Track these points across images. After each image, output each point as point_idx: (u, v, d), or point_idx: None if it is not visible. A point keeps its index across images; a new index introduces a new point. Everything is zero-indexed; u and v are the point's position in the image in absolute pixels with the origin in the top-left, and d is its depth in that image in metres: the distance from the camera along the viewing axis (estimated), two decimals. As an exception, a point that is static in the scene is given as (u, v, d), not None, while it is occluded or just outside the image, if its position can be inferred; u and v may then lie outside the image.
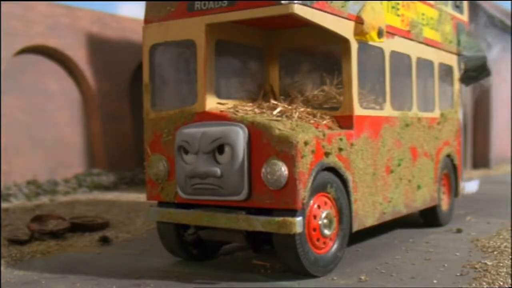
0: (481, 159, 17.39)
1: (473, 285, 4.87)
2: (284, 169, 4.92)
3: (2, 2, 12.06)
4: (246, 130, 5.13)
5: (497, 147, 17.83)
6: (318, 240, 5.24)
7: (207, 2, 5.44)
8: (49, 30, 13.20)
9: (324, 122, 5.55)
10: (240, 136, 5.10)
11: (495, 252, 6.05)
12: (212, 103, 5.54)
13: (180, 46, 5.82)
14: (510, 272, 5.22)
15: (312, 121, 5.47)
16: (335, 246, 5.41)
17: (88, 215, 9.05)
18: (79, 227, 7.86)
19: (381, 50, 6.19)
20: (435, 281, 5.03)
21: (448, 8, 7.99)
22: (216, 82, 5.69)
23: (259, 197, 5.09)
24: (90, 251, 6.71)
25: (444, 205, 7.83)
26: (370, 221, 5.93)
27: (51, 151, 13.50)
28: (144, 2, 5.93)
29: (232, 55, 6.08)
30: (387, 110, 6.32)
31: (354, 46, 5.64)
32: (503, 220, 7.99)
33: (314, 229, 5.20)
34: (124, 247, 6.89)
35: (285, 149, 4.94)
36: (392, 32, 6.36)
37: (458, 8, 8.38)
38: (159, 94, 5.92)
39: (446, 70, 7.91)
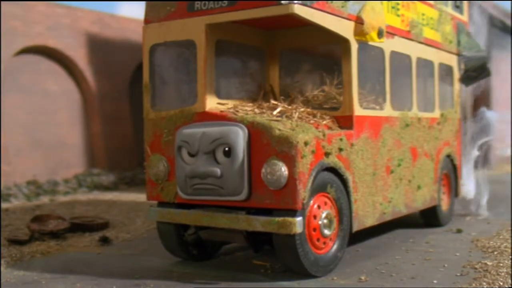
0: (481, 159, 17.34)
1: (473, 285, 4.86)
2: (284, 169, 4.92)
3: (2, 2, 12.06)
4: (246, 130, 5.13)
5: (497, 147, 17.80)
6: (318, 240, 5.24)
7: (207, 2, 5.44)
8: (49, 30, 13.21)
9: (324, 122, 5.55)
10: (240, 136, 5.10)
11: (495, 252, 6.04)
12: (212, 103, 5.54)
13: (180, 46, 5.82)
14: (510, 272, 5.21)
15: (312, 121, 5.47)
16: (335, 246, 5.41)
17: (88, 215, 9.04)
18: (79, 227, 7.86)
19: (381, 50, 6.19)
20: (435, 281, 5.03)
21: (448, 8, 8.00)
22: (216, 82, 5.69)
23: (259, 197, 5.09)
24: (90, 251, 6.71)
25: (444, 205, 7.83)
26: (370, 221, 5.93)
27: (51, 151, 13.50)
28: (144, 2, 5.94)
29: (232, 55, 6.08)
30: (387, 110, 6.32)
31: (354, 46, 5.64)
32: (503, 220, 7.99)
33: (314, 229, 5.20)
34: (124, 247, 6.89)
35: (285, 149, 4.94)
36: (392, 32, 6.36)
37: (458, 8, 8.38)
38: (159, 94, 5.92)
39: (446, 70, 7.91)
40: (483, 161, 8.96)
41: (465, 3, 8.68)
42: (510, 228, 7.33)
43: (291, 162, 4.92)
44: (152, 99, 5.87)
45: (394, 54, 6.41)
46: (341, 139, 5.45)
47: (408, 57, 6.81)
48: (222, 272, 5.55)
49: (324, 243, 5.31)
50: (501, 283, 4.87)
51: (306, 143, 4.98)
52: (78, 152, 14.20)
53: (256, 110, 5.60)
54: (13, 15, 12.44)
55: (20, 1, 12.57)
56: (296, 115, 5.48)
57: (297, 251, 5.02)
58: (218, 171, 5.14)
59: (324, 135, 5.23)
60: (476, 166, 8.84)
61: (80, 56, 13.93)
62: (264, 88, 6.32)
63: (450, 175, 7.98)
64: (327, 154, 5.25)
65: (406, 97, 6.83)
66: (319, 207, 5.23)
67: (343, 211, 5.48)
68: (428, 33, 7.27)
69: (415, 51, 6.93)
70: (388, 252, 6.22)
